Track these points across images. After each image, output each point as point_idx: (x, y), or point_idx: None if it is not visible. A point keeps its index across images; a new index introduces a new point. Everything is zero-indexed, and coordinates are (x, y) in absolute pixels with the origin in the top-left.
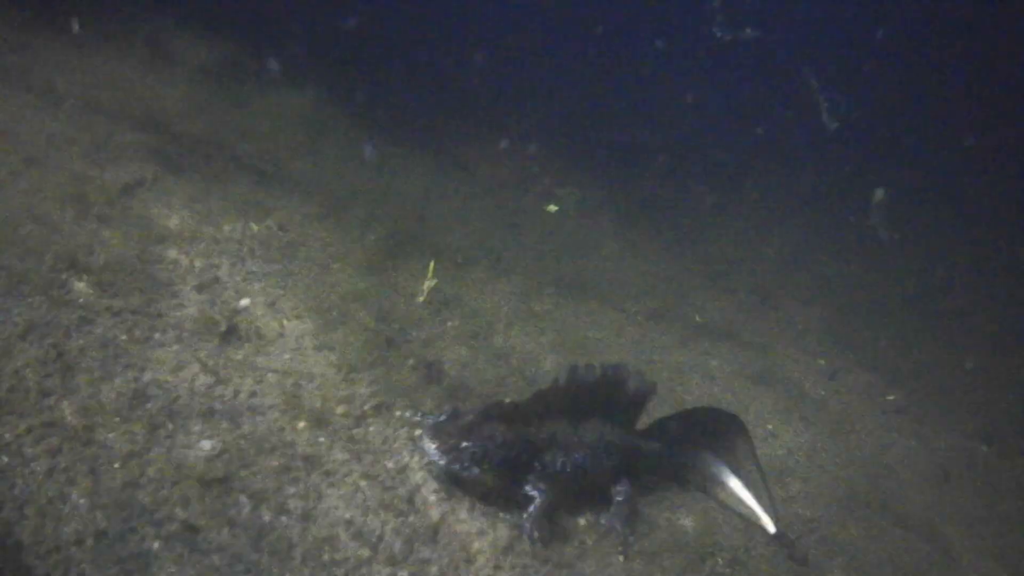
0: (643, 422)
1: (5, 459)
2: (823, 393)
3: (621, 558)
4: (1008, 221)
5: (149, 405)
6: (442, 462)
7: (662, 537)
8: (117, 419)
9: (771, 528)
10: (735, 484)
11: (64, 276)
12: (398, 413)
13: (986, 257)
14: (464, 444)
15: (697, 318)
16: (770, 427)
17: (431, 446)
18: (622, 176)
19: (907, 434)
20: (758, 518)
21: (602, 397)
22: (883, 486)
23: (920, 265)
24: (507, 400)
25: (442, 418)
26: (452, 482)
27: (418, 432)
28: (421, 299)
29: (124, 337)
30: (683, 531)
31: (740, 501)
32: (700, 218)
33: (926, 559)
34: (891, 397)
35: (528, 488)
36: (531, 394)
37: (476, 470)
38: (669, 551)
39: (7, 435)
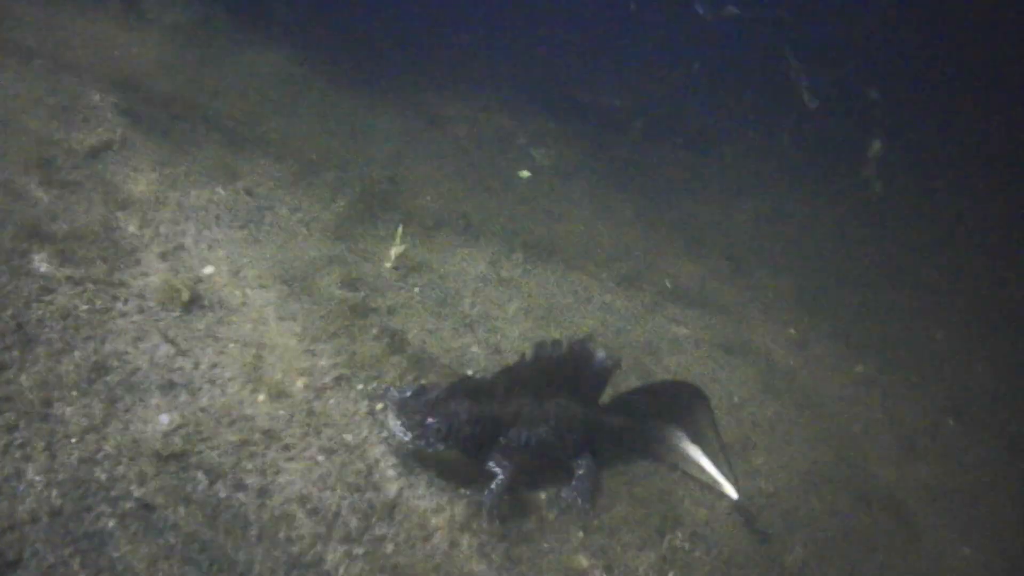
0: (607, 395)
1: None
2: (792, 364)
3: (581, 533)
4: (981, 196)
5: (108, 378)
6: (407, 439)
7: (623, 511)
8: (75, 393)
9: (734, 495)
10: (696, 453)
11: (26, 246)
12: (359, 386)
13: (957, 230)
14: (429, 420)
15: (668, 284)
16: (736, 399)
17: (396, 423)
18: (598, 140)
19: (874, 407)
20: (720, 485)
21: (568, 372)
22: (847, 460)
23: (892, 237)
24: (473, 375)
25: (407, 394)
26: (413, 458)
27: (379, 406)
28: (389, 265)
29: (85, 308)
30: (644, 505)
31: (701, 469)
32: (674, 184)
33: (888, 534)
34: (860, 368)
35: (491, 464)
36: (497, 370)
37: (441, 447)
38: (629, 525)
39: None
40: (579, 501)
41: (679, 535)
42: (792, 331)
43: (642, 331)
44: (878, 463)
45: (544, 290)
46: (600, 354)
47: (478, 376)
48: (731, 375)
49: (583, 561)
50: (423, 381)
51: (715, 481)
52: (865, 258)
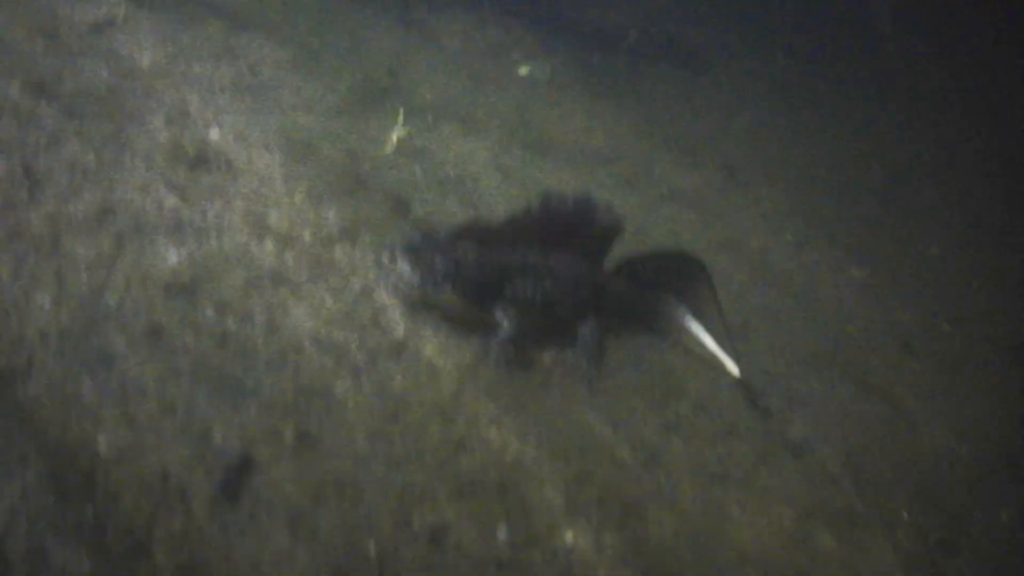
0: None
1: None
2: (789, 266)
3: (586, 393)
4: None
5: (116, 221)
6: (414, 279)
7: (626, 377)
8: (84, 231)
9: (735, 371)
10: (698, 329)
11: (32, 101)
12: (366, 240)
13: (954, 151)
14: (437, 260)
15: (664, 190)
16: (734, 287)
17: (403, 262)
18: (592, 57)
19: (871, 307)
20: (722, 362)
21: (573, 228)
22: (845, 350)
23: (888, 155)
24: (480, 221)
25: (416, 237)
26: (420, 302)
27: (386, 257)
28: (389, 148)
29: (92, 159)
30: (647, 374)
31: (703, 345)
32: (668, 100)
33: (886, 421)
34: (856, 273)
35: (497, 314)
36: (504, 217)
37: (449, 288)
38: (633, 391)
39: None
40: (584, 363)
41: (683, 404)
42: (789, 236)
43: (640, 226)
44: (875, 358)
45: (544, 180)
46: (606, 213)
47: (484, 223)
48: (728, 268)
49: (589, 416)
50: (431, 227)
51: (717, 358)
52: (862, 174)
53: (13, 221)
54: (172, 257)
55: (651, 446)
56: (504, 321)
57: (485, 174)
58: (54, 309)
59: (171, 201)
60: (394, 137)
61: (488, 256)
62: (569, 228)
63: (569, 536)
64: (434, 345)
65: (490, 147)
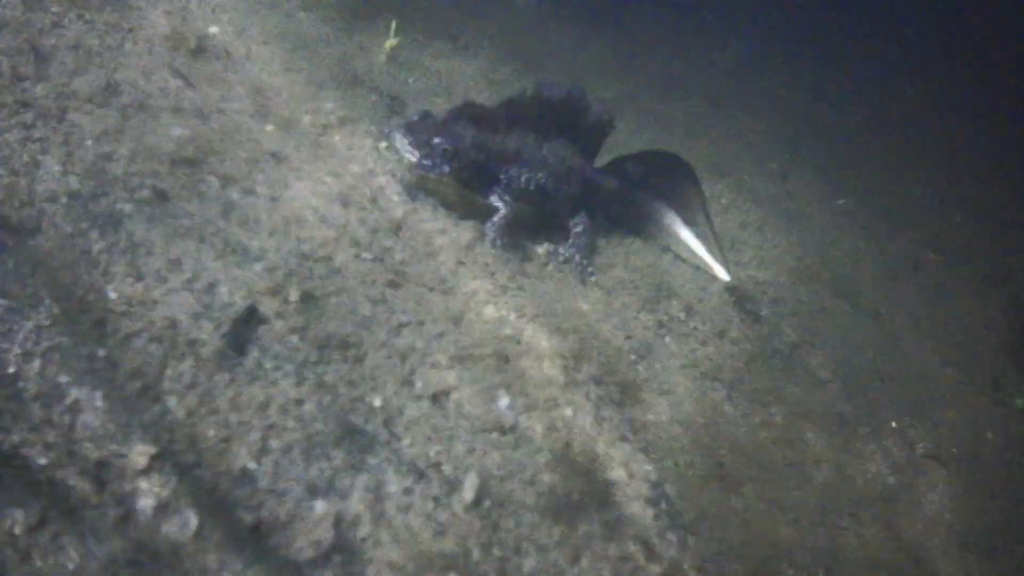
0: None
1: None
2: (774, 191)
3: (580, 286)
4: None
5: (121, 98)
6: (413, 157)
7: (618, 275)
8: (89, 104)
9: (725, 276)
10: (687, 234)
11: None
12: (363, 127)
13: (936, 93)
14: (436, 140)
15: (652, 119)
16: (724, 201)
17: (403, 141)
18: None
19: (857, 235)
20: (711, 268)
21: (566, 118)
22: (832, 269)
23: (871, 97)
24: (476, 102)
25: (414, 117)
26: (419, 182)
27: (383, 144)
28: (383, 57)
29: (96, 42)
30: (640, 273)
31: (692, 251)
32: (653, 37)
33: (873, 335)
34: (841, 202)
35: (493, 199)
36: (499, 100)
37: (446, 168)
38: (626, 288)
39: None
40: (577, 256)
41: (674, 304)
42: (773, 165)
43: (626, 147)
44: (861, 282)
45: None
46: (598, 106)
47: (480, 104)
48: (719, 188)
49: (583, 306)
50: (429, 109)
51: (706, 263)
52: (845, 111)
53: (20, 92)
54: (175, 132)
55: (644, 340)
56: (501, 205)
57: (477, 86)
58: (62, 173)
59: (174, 83)
60: (387, 46)
61: (485, 139)
62: (562, 117)
63: (568, 411)
64: (432, 225)
65: (481, 64)
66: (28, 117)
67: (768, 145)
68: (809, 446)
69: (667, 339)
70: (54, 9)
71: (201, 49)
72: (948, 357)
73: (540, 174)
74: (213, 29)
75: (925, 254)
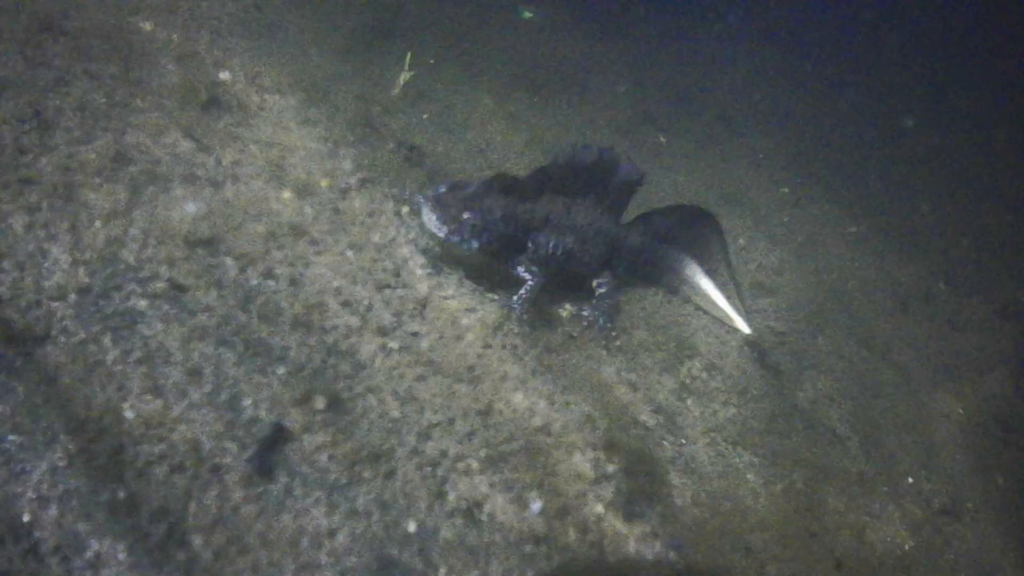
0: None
1: None
2: (787, 219)
3: (604, 352)
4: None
5: (131, 168)
6: (442, 233)
7: (642, 336)
8: (98, 179)
9: (746, 329)
10: (709, 286)
11: (39, 37)
12: (384, 189)
13: (945, 107)
14: (466, 215)
15: (662, 139)
16: (741, 241)
17: (431, 216)
18: (586, 2)
19: (869, 266)
20: (732, 320)
21: (595, 180)
22: (848, 310)
23: (880, 111)
24: (506, 173)
25: (442, 189)
26: (441, 259)
27: (405, 208)
28: (396, 91)
29: (103, 100)
30: (661, 332)
31: (714, 303)
32: (662, 48)
33: (888, 381)
34: (853, 229)
35: (520, 270)
36: (532, 170)
37: (475, 244)
38: (648, 350)
39: None
40: (600, 320)
41: (696, 364)
42: (785, 189)
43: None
44: (874, 316)
45: (548, 125)
46: (627, 165)
47: (511, 175)
48: (731, 223)
49: (609, 375)
50: (458, 178)
51: (727, 315)
52: (855, 127)
53: (24, 169)
54: (189, 208)
55: (668, 408)
56: (528, 277)
57: (492, 119)
58: (70, 264)
59: (185, 146)
60: (401, 79)
61: (515, 209)
62: (591, 180)
63: (599, 507)
64: (457, 303)
65: (494, 92)
66: (33, 198)
67: (778, 164)
68: (830, 512)
69: (689, 402)
70: (57, 63)
71: (212, 102)
72: (959, 396)
73: (568, 238)
74: (224, 75)
75: (936, 284)
